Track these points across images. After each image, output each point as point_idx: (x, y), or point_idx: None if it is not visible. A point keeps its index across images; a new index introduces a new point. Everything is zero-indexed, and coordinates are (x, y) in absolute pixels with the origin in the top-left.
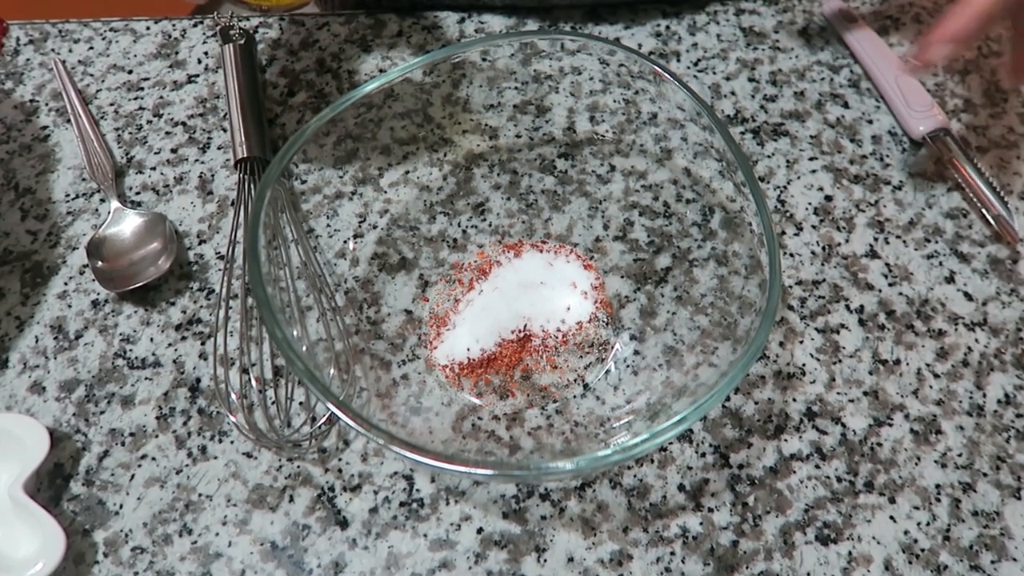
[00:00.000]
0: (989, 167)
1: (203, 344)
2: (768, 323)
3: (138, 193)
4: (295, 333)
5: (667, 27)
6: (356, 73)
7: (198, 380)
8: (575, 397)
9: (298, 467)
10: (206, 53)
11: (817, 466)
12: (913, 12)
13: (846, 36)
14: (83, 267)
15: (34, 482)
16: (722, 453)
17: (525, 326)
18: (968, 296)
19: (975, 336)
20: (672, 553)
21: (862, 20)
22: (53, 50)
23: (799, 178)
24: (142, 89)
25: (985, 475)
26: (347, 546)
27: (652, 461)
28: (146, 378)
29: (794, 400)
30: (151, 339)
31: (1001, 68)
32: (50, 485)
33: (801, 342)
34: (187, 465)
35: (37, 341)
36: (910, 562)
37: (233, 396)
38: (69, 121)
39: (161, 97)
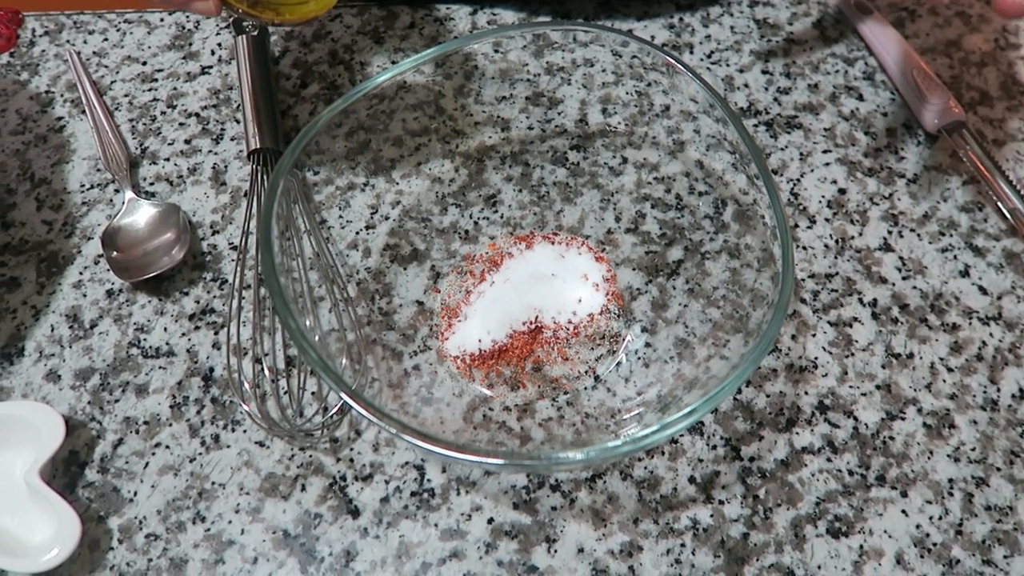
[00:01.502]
0: (1005, 160)
1: (216, 334)
2: (780, 316)
3: (152, 184)
4: (308, 323)
5: (680, 19)
6: (368, 64)
7: (211, 369)
8: (586, 389)
9: (310, 456)
10: (219, 44)
11: (829, 459)
12: (929, 3)
13: (861, 28)
14: (98, 257)
15: (50, 469)
16: (733, 446)
17: (536, 318)
18: (983, 290)
19: (989, 330)
20: (682, 545)
21: (877, 12)
22: (68, 41)
23: (812, 171)
24: (156, 80)
25: (998, 469)
26: (358, 535)
27: (663, 453)
28: (160, 367)
29: (806, 393)
30: (165, 328)
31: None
32: (65, 472)
33: (813, 335)
34: (200, 453)
35: (53, 330)
36: (922, 556)
37: (246, 385)
38: (84, 112)
39: (175, 88)
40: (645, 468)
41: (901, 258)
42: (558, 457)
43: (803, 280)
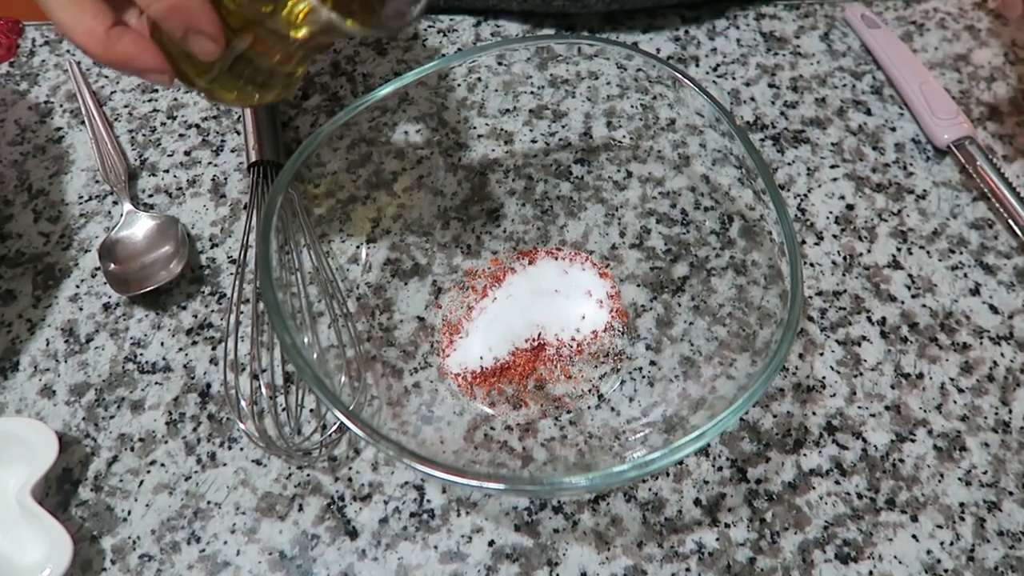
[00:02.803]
0: (1016, 176)
1: (214, 349)
2: (790, 336)
3: (151, 196)
4: (306, 339)
5: (686, 31)
6: (371, 76)
7: (208, 385)
8: (589, 408)
9: (308, 475)
10: None
11: (837, 482)
12: (938, 17)
13: (869, 42)
14: (95, 270)
15: (42, 487)
16: (739, 467)
17: (539, 335)
18: (994, 309)
19: (1001, 350)
20: (687, 569)
21: (885, 26)
22: (68, 51)
23: (820, 186)
24: (156, 91)
25: (1011, 494)
26: (356, 557)
27: (668, 474)
28: (156, 383)
29: (814, 414)
30: (162, 343)
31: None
32: (58, 490)
33: (821, 354)
34: (196, 472)
35: (48, 344)
36: None
37: (243, 402)
38: (83, 123)
39: (175, 99)
40: (649, 490)
41: (910, 276)
42: (561, 483)
43: (811, 298)
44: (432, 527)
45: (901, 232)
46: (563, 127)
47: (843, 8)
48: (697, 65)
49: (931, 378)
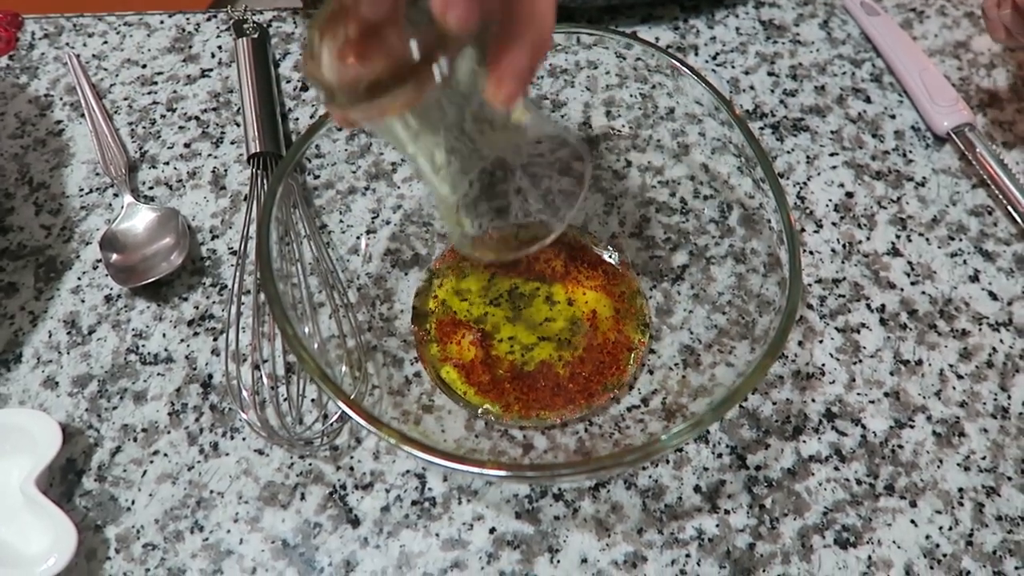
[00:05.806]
0: (1015, 163)
1: (215, 340)
2: (788, 323)
3: (151, 188)
4: (307, 330)
5: (685, 20)
6: None
7: (210, 376)
8: None
9: (310, 465)
10: (220, 47)
11: (836, 468)
12: (937, 4)
13: (868, 29)
14: (96, 262)
15: (47, 477)
16: (739, 454)
17: None
18: (993, 295)
19: (1000, 336)
20: (687, 555)
21: (885, 13)
22: (68, 44)
23: (819, 174)
24: (156, 83)
25: (1009, 479)
26: (358, 545)
27: (667, 461)
28: (158, 374)
29: (813, 401)
30: (163, 335)
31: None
32: (62, 480)
33: (820, 341)
34: (199, 462)
35: (50, 336)
36: (932, 567)
37: (245, 393)
38: (83, 115)
39: (175, 91)
40: (649, 477)
41: (910, 263)
42: (561, 470)
43: (810, 285)
44: (433, 515)
45: (900, 219)
46: (562, 116)
47: None
48: (696, 54)
49: (930, 365)
